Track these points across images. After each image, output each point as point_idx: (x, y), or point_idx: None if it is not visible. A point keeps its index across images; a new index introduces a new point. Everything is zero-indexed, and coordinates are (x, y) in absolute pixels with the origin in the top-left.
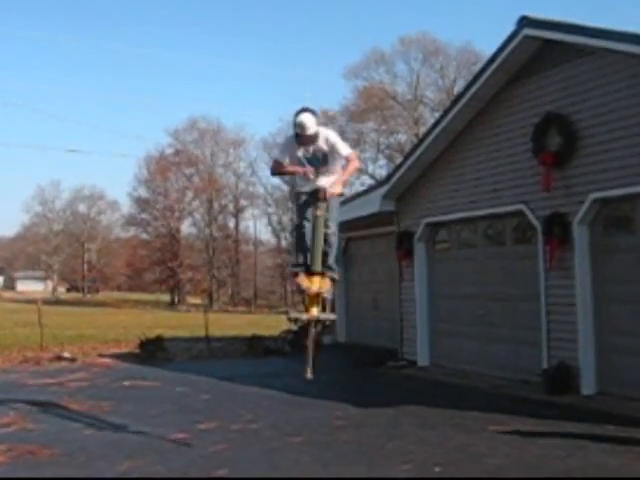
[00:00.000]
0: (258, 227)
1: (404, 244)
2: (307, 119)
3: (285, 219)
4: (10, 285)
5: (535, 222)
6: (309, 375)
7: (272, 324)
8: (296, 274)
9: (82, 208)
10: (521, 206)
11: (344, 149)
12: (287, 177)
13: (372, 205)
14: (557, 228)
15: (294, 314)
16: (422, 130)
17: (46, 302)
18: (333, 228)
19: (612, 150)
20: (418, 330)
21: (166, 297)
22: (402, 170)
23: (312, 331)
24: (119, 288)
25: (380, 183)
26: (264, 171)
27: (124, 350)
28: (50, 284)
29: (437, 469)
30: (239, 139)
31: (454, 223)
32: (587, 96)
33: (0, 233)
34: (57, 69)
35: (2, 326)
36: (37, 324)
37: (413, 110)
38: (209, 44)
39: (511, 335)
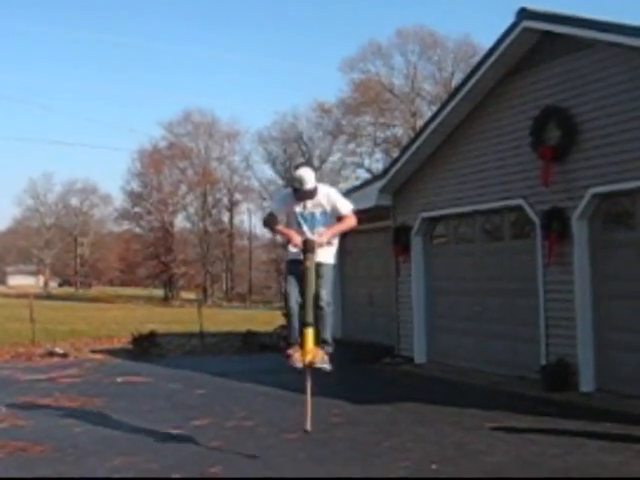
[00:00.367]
0: (253, 221)
1: (401, 239)
2: (306, 173)
3: None
4: (1, 279)
5: (534, 217)
6: (308, 427)
7: (267, 319)
8: (289, 356)
9: (74, 202)
10: (520, 201)
11: (344, 208)
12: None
13: (368, 199)
14: (556, 223)
15: (291, 359)
16: (419, 123)
17: (38, 297)
18: (327, 300)
19: (612, 144)
20: (415, 326)
21: (159, 292)
22: (399, 164)
23: (309, 378)
24: (112, 283)
25: (377, 177)
26: (259, 164)
27: (117, 346)
28: (42, 279)
29: (434, 467)
30: (234, 132)
31: (452, 218)
32: (587, 89)
33: None
34: (49, 61)
35: None
36: (28, 319)
37: (410, 103)
38: (203, 36)
39: (509, 331)
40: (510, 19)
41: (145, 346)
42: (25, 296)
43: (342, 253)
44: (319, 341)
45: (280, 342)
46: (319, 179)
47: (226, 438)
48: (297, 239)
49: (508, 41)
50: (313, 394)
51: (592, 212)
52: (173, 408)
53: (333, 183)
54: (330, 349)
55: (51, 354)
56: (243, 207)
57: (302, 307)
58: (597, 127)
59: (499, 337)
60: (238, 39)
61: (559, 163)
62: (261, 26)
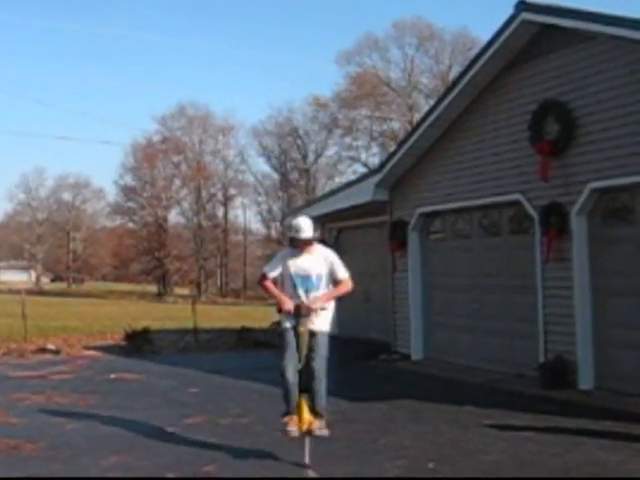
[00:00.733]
0: (247, 216)
1: (397, 234)
2: (303, 221)
3: (275, 208)
4: None
5: (532, 212)
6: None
7: (262, 316)
8: (284, 426)
9: (67, 196)
10: (518, 196)
11: (341, 272)
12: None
13: (365, 194)
14: (555, 218)
15: (288, 428)
16: (416, 117)
17: (30, 292)
18: (321, 372)
19: (612, 138)
20: (412, 323)
21: (153, 288)
22: (395, 158)
23: (307, 447)
24: (105, 278)
25: (373, 171)
26: (253, 159)
27: (110, 342)
28: (34, 274)
29: (431, 465)
30: (228, 126)
31: (449, 213)
32: (586, 83)
33: None
34: (41, 54)
35: None
36: (20, 315)
37: (407, 97)
38: (197, 28)
39: (507, 328)
40: (508, 11)
41: (138, 343)
42: (17, 292)
43: (338, 249)
44: (314, 412)
45: (275, 339)
46: (315, 230)
47: (221, 436)
48: (289, 305)
49: (506, 34)
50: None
51: (591, 207)
52: (167, 405)
53: (329, 177)
54: (324, 419)
55: (43, 351)
56: (238, 202)
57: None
58: (596, 121)
59: (497, 334)
60: (233, 32)
61: (558, 158)
62: (256, 19)
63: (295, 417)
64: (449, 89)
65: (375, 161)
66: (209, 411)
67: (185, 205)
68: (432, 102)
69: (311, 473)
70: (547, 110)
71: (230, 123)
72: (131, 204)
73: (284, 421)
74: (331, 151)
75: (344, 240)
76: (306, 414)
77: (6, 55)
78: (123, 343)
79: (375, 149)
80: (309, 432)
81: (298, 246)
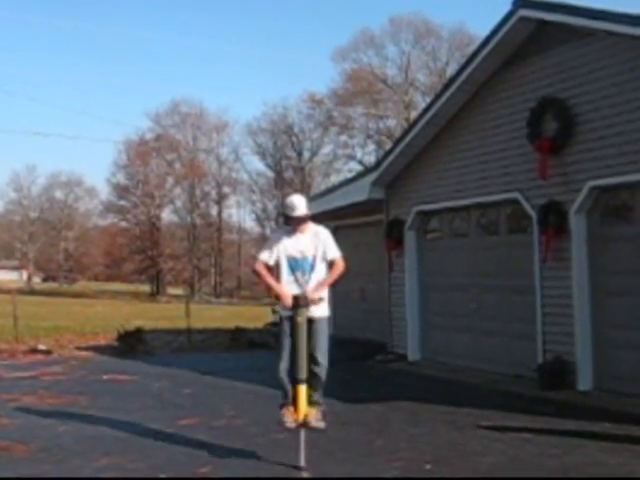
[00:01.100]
0: (242, 215)
1: (394, 233)
2: (298, 199)
3: (270, 207)
4: None
5: (530, 211)
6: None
7: (256, 315)
8: (280, 418)
9: (59, 194)
10: (516, 194)
11: (332, 251)
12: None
13: (361, 192)
14: (553, 217)
15: (284, 419)
16: (413, 115)
17: (21, 292)
18: (322, 361)
19: (611, 136)
20: (408, 323)
21: (146, 288)
22: (392, 156)
23: (303, 438)
24: (97, 278)
25: (369, 170)
26: (248, 157)
27: (102, 343)
28: (25, 273)
29: (428, 467)
30: (222, 123)
31: (446, 211)
32: (585, 80)
33: None
34: (33, 51)
35: None
36: (11, 315)
37: (403, 94)
38: (191, 24)
39: (505, 328)
40: (506, 8)
41: (131, 343)
42: (8, 292)
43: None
44: (311, 401)
45: (270, 339)
46: (310, 206)
47: (215, 437)
48: (287, 298)
49: (504, 30)
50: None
51: (590, 206)
52: (160, 407)
53: (325, 176)
54: (323, 407)
55: (35, 351)
56: (232, 200)
57: (295, 363)
58: (596, 118)
59: (495, 334)
60: (227, 28)
61: (556, 155)
62: (251, 15)
63: (291, 408)
64: (446, 86)
65: (371, 159)
66: (203, 412)
67: (178, 203)
68: (429, 99)
69: (306, 474)
70: (546, 107)
71: (224, 120)
72: (124, 202)
73: (281, 412)
74: (326, 149)
75: (340, 239)
76: (303, 405)
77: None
78: (116, 343)
79: (371, 147)
80: (305, 424)
81: (292, 225)
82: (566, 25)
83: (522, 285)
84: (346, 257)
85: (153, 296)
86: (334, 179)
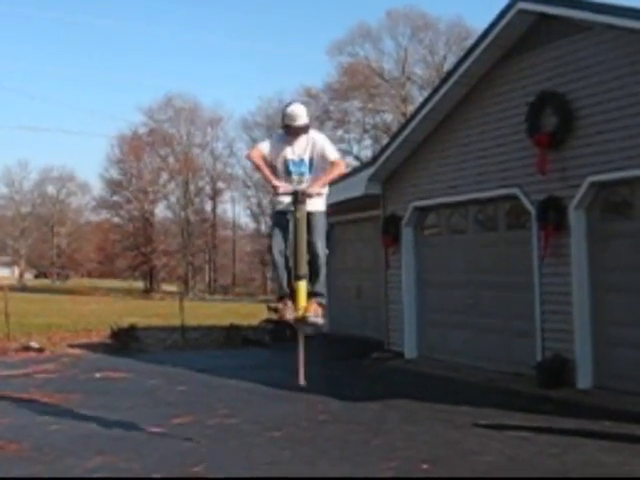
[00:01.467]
0: (237, 211)
1: (391, 229)
2: (298, 108)
3: (265, 202)
4: None
5: (529, 207)
6: (302, 382)
7: (251, 313)
8: (276, 310)
9: (51, 190)
10: (514, 190)
11: (332, 154)
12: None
13: (357, 188)
14: (552, 213)
15: (282, 313)
16: (410, 109)
17: (12, 289)
18: (319, 249)
19: (611, 131)
20: (405, 320)
21: (139, 284)
22: (389, 151)
23: (302, 334)
24: (90, 275)
25: (365, 165)
26: (243, 151)
27: (95, 340)
28: (17, 270)
29: (425, 466)
30: (217, 118)
31: (444, 207)
32: (585, 74)
33: None
34: (23, 44)
35: None
36: (3, 312)
37: (400, 88)
38: (185, 17)
39: (503, 326)
40: (504, 1)
41: (124, 340)
42: None
43: (329, 243)
44: (312, 293)
45: (265, 337)
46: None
47: (209, 436)
48: (284, 186)
49: (503, 23)
50: (299, 390)
51: (590, 202)
52: (154, 405)
53: None
54: (323, 301)
55: (27, 349)
56: (226, 196)
57: (293, 259)
58: (595, 113)
59: (493, 332)
60: (222, 21)
61: (556, 150)
62: (246, 7)
63: (290, 302)
64: (444, 80)
65: (368, 154)
66: (197, 411)
67: (172, 199)
68: (426, 93)
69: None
70: (545, 101)
71: (219, 115)
72: (117, 198)
73: (279, 305)
74: None
75: (336, 235)
76: (302, 300)
77: None
78: (109, 341)
79: (367, 142)
80: (303, 319)
81: (293, 134)
82: (566, 18)
83: (521, 282)
84: (342, 254)
85: (147, 293)
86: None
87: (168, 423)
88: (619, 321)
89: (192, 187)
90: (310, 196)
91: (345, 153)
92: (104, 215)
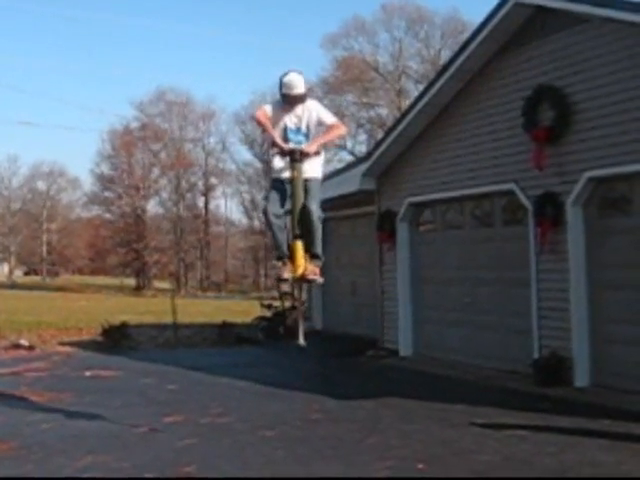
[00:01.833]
0: (229, 206)
1: (386, 225)
2: (295, 77)
3: (258, 198)
4: None
5: (526, 202)
6: (302, 341)
7: (244, 310)
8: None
9: (41, 185)
10: (511, 185)
11: (329, 118)
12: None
13: (351, 183)
14: (549, 209)
15: (282, 274)
16: (405, 103)
17: (2, 286)
18: (317, 212)
19: (609, 125)
20: (400, 317)
21: (131, 281)
22: (384, 146)
23: (300, 291)
24: (81, 271)
25: (360, 160)
26: (236, 147)
27: (86, 338)
28: (6, 267)
29: (420, 466)
30: (209, 112)
31: (439, 203)
32: (582, 67)
33: None
34: (12, 38)
35: None
36: None
37: (395, 82)
38: (177, 10)
39: (500, 323)
40: None
41: (116, 338)
42: None
43: (323, 239)
44: (310, 255)
45: (258, 334)
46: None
47: (201, 435)
48: (282, 143)
49: (499, 16)
50: (293, 389)
51: (587, 197)
52: (145, 404)
53: None
54: (320, 263)
55: (16, 347)
56: (219, 191)
57: (291, 219)
58: (593, 107)
59: (489, 329)
60: (214, 14)
61: (552, 145)
62: (239, 1)
63: (289, 263)
64: (439, 74)
65: (362, 149)
66: (189, 409)
67: (164, 195)
68: (422, 87)
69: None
70: (542, 96)
71: (211, 109)
72: (108, 194)
73: (278, 266)
74: None
75: (331, 231)
76: (300, 260)
77: None
78: (100, 338)
79: (362, 136)
80: (303, 277)
81: (290, 103)
82: (563, 11)
83: (517, 278)
84: (336, 250)
85: (138, 290)
86: (324, 169)
87: (160, 422)
88: (617, 318)
89: (184, 183)
90: (308, 155)
91: (339, 148)
92: (95, 211)
